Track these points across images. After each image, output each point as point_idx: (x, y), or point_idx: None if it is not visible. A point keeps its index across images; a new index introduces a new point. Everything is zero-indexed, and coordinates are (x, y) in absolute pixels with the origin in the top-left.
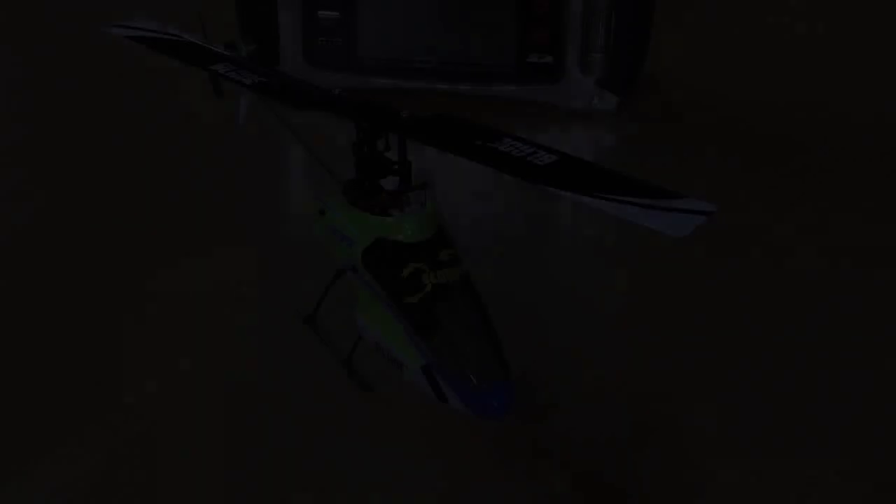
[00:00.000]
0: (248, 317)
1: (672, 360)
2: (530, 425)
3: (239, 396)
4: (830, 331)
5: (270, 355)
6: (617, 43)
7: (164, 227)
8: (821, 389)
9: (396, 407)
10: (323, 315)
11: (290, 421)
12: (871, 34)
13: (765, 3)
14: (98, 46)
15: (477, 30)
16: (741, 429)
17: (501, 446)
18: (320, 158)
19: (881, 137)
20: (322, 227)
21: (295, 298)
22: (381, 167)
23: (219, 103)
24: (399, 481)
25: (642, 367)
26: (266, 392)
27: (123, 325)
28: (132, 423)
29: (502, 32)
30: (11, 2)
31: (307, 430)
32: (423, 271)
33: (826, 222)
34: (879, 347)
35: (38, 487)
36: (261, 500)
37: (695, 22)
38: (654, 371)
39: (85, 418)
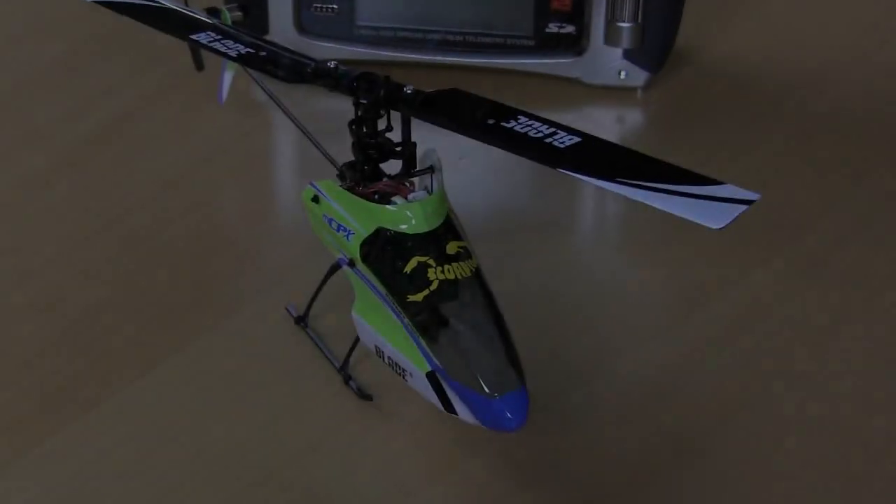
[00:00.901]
0: (229, 318)
1: (710, 370)
2: (548, 438)
3: (217, 404)
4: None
5: (255, 358)
6: (647, 10)
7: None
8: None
9: (398, 419)
10: (316, 315)
11: (277, 435)
12: None
13: None
14: (67, 13)
15: None
16: (783, 450)
17: (516, 463)
18: (314, 139)
19: None
20: (316, 217)
21: (284, 294)
22: (382, 149)
23: (200, 76)
24: None
25: (674, 377)
26: (251, 399)
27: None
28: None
29: None
30: None
31: (296, 446)
32: (428, 266)
33: (889, 212)
34: None
35: None
36: None
37: None
38: (688, 382)
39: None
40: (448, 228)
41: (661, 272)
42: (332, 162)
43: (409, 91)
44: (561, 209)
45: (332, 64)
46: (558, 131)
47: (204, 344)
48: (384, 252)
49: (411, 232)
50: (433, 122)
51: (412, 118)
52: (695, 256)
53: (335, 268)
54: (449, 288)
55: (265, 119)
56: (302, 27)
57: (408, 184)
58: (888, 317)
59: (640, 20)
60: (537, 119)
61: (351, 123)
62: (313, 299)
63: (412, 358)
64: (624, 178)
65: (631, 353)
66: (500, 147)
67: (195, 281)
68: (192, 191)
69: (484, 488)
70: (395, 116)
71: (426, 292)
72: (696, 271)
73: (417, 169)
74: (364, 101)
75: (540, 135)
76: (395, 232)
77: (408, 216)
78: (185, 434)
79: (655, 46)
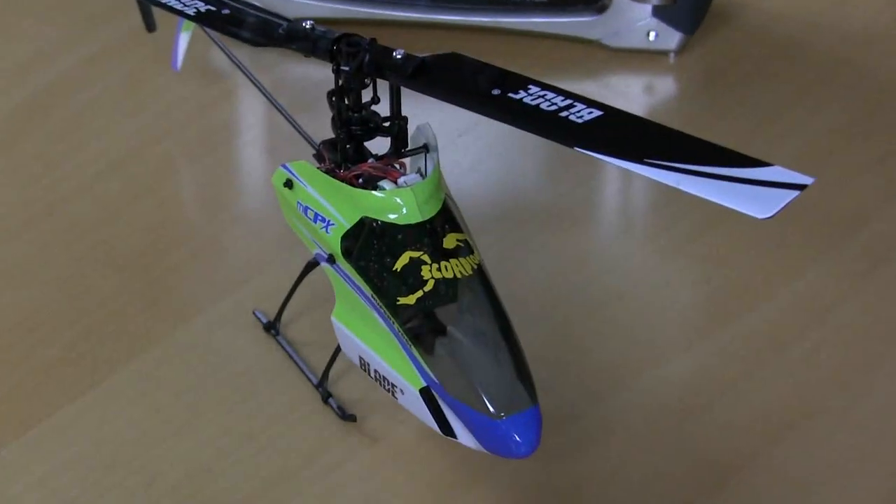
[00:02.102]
0: (185, 325)
1: (751, 386)
2: (562, 465)
3: (172, 427)
4: None
5: (216, 372)
6: None
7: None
8: None
9: (386, 443)
10: (289, 320)
11: (243, 462)
12: None
13: None
14: None
15: None
16: (837, 485)
17: (525, 494)
18: (286, 113)
19: None
20: (288, 205)
21: (251, 297)
22: (368, 125)
23: (151, 39)
24: None
25: (709, 394)
26: (213, 421)
27: None
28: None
29: None
30: None
31: (267, 475)
32: (422, 263)
33: None
34: None
35: None
36: None
37: None
38: (725, 400)
39: None
40: (445, 218)
41: (695, 270)
42: (308, 140)
43: (399, 56)
44: (578, 196)
45: (307, 24)
46: (576, 103)
47: (156, 356)
48: (370, 246)
49: (402, 222)
50: (427, 93)
51: (403, 88)
52: (735, 252)
53: (312, 265)
54: (446, 288)
55: (228, 89)
56: None
57: (397, 165)
58: None
59: None
60: (551, 89)
61: (330, 94)
62: (285, 302)
63: (403, 372)
64: (652, 159)
65: (658, 365)
66: (506, 122)
67: (145, 282)
68: (141, 174)
69: None
70: (383, 86)
71: (420, 294)
72: (735, 269)
73: (409, 148)
74: (346, 69)
75: (554, 108)
76: (382, 222)
77: (398, 204)
78: (134, 461)
79: (690, 3)
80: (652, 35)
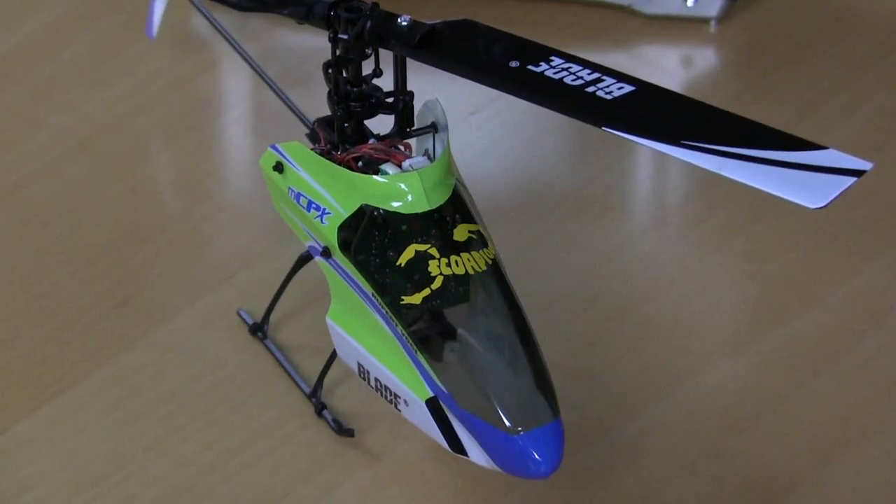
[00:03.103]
0: (162, 327)
1: (801, 398)
2: (588, 489)
3: (148, 439)
4: None
5: (197, 380)
6: None
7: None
8: None
9: (388, 460)
10: (278, 322)
11: (228, 481)
12: None
13: None
14: None
15: None
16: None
17: None
18: (276, 87)
19: None
20: (279, 191)
21: (236, 295)
22: (369, 101)
23: (123, 1)
24: None
25: (753, 407)
26: (194, 434)
27: None
28: None
29: None
30: None
31: (254, 495)
32: (430, 257)
33: None
34: None
35: None
36: None
37: None
38: (772, 414)
39: None
40: (456, 207)
41: (737, 267)
42: (301, 118)
43: (404, 23)
44: (606, 182)
45: None
46: (604, 77)
47: (128, 362)
48: (370, 238)
49: (407, 211)
50: (436, 65)
51: (408, 59)
52: (783, 246)
53: (304, 259)
54: (457, 286)
55: (210, 60)
56: None
57: (402, 147)
58: None
59: None
60: (576, 61)
61: (326, 66)
62: (274, 301)
63: (408, 380)
64: (691, 141)
65: (697, 374)
66: (525, 98)
67: (116, 277)
68: (111, 155)
69: None
70: (386, 57)
71: (426, 292)
72: (784, 266)
73: (415, 127)
74: (344, 37)
75: (580, 82)
76: (384, 211)
77: (402, 190)
78: (104, 481)
79: None
80: (690, 0)
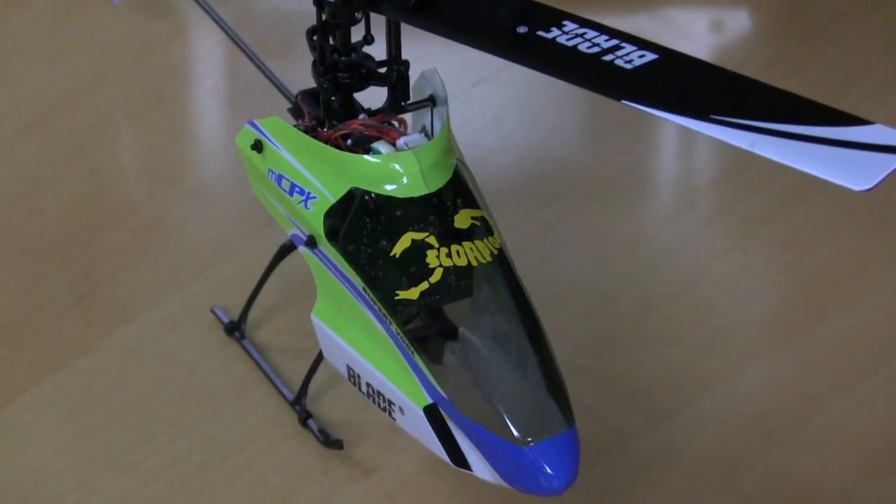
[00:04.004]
0: (128, 325)
1: (842, 406)
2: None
3: (111, 449)
4: None
5: (166, 384)
6: None
7: None
8: None
9: (381, 475)
10: (258, 320)
11: (202, 496)
12: None
13: None
14: None
15: None
16: None
17: None
18: (254, 56)
19: None
20: (257, 173)
21: (210, 291)
22: (358, 71)
23: None
24: None
25: (790, 414)
26: (163, 445)
27: None
28: None
29: None
30: None
31: None
32: (428, 246)
33: None
34: None
35: None
36: None
37: None
38: (811, 422)
39: None
40: (457, 190)
41: (773, 257)
42: (283, 90)
43: None
44: (625, 163)
45: None
46: (623, 44)
47: (88, 365)
48: (361, 225)
49: (402, 195)
50: (435, 31)
51: (403, 24)
52: (824, 234)
53: (286, 249)
54: (458, 279)
55: (179, 25)
56: None
57: (396, 123)
58: None
59: None
60: (592, 26)
61: (311, 32)
62: (252, 297)
63: (403, 385)
64: (721, 115)
65: (728, 378)
66: (535, 68)
67: (74, 270)
68: (69, 133)
69: None
70: (378, 22)
71: (424, 286)
72: (825, 256)
73: (411, 101)
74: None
75: (596, 49)
76: (377, 195)
77: (396, 171)
78: (60, 499)
79: None
80: None
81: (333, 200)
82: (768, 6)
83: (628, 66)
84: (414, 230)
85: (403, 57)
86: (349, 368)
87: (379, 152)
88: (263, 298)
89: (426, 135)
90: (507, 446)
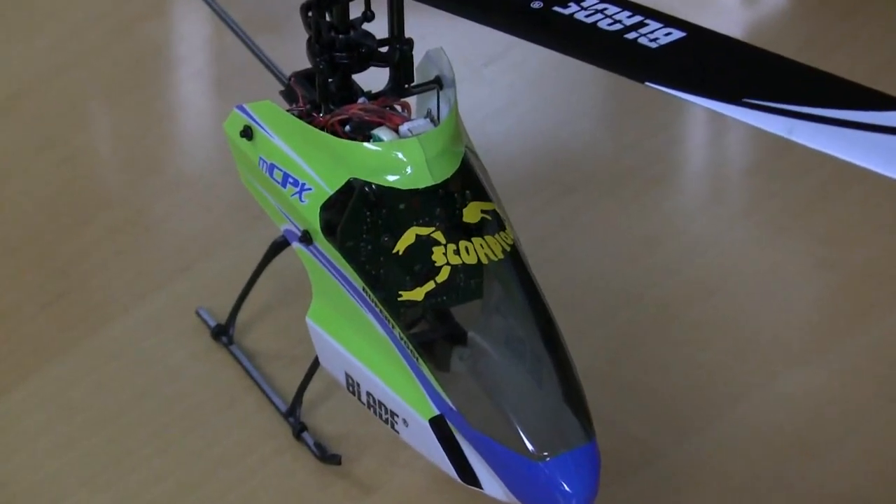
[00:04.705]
0: (104, 329)
1: (887, 409)
2: None
3: (86, 466)
4: None
5: (147, 394)
6: None
7: None
8: None
9: (383, 492)
10: (247, 323)
11: None
12: None
13: None
14: None
15: None
16: None
17: None
18: (242, 33)
19: None
20: (247, 162)
21: (194, 291)
22: (358, 50)
23: None
24: None
25: (833, 426)
26: (143, 460)
27: None
28: None
29: None
30: None
31: None
32: (434, 243)
33: None
34: None
35: None
36: None
37: None
38: (854, 433)
39: None
40: (466, 181)
41: (812, 253)
42: (275, 71)
43: None
44: (649, 150)
45: None
46: (648, 21)
47: (61, 372)
48: (361, 220)
49: (406, 186)
50: (440, 6)
51: None
52: (867, 228)
53: (279, 246)
54: (467, 279)
55: (160, 1)
56: None
57: (399, 107)
58: None
59: None
60: (613, 1)
61: (305, 8)
62: (242, 298)
63: (407, 395)
64: (754, 99)
65: (764, 386)
66: (550, 46)
67: (47, 269)
68: (40, 118)
69: None
70: None
71: (430, 286)
72: (869, 252)
73: (416, 83)
74: None
75: (618, 26)
76: (378, 187)
77: (400, 161)
78: None
79: None
80: None
81: (330, 192)
82: None
83: (653, 45)
84: (419, 225)
85: (407, 35)
86: (348, 376)
87: (380, 139)
88: (254, 299)
89: (432, 120)
90: (521, 461)
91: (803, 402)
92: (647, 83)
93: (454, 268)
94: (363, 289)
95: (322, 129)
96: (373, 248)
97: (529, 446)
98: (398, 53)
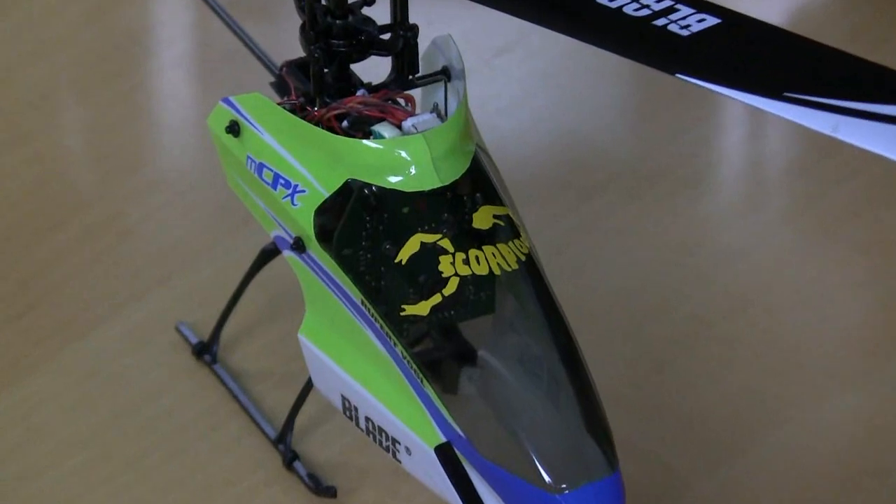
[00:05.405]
0: (76, 344)
1: None
2: None
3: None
4: None
5: (122, 416)
6: None
7: None
8: None
9: None
10: (233, 339)
11: None
12: None
13: None
14: None
15: None
16: None
17: None
18: (229, 19)
19: None
20: (233, 160)
21: (174, 303)
22: (357, 38)
23: None
24: None
25: (885, 447)
26: (115, 493)
27: None
28: None
29: None
30: None
31: None
32: (441, 251)
33: None
34: None
35: None
36: None
37: None
38: (893, 460)
39: None
40: (476, 182)
41: (860, 262)
42: (264, 60)
43: None
44: (680, 150)
45: None
46: (679, 6)
47: (28, 392)
48: (360, 225)
49: (410, 189)
50: None
51: None
52: None
53: (268, 254)
54: (478, 291)
55: None
56: None
57: (403, 100)
58: None
59: None
60: None
61: None
62: (227, 312)
63: (410, 420)
64: (795, 93)
65: (807, 409)
66: (571, 34)
67: (13, 279)
68: (8, 114)
69: None
70: None
71: (436, 299)
72: None
73: (421, 74)
74: None
75: (646, 12)
76: (379, 188)
77: (403, 160)
78: None
79: None
80: None
81: (326, 194)
82: None
83: (684, 33)
84: (424, 231)
85: (412, 20)
86: (344, 399)
87: (381, 136)
88: (240, 313)
89: (438, 115)
90: (537, 494)
91: (846, 428)
92: (678, 75)
93: (463, 279)
94: (362, 302)
95: (317, 124)
96: (373, 256)
97: (546, 477)
98: (401, 41)
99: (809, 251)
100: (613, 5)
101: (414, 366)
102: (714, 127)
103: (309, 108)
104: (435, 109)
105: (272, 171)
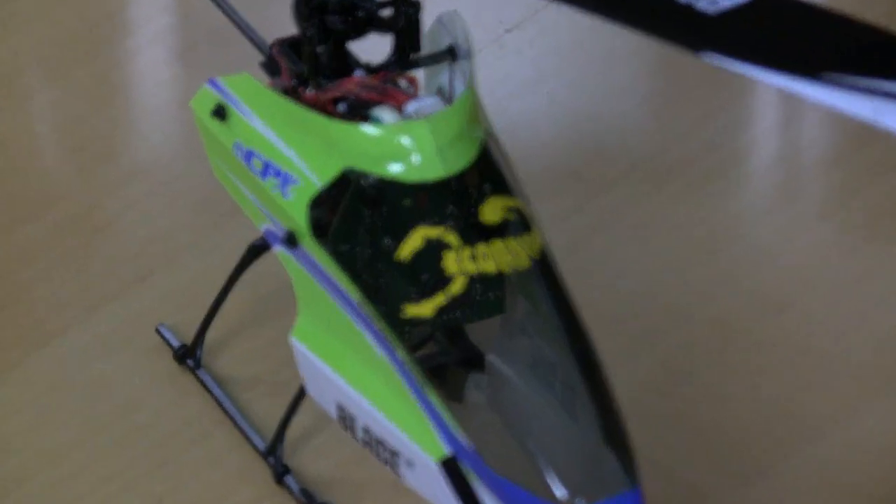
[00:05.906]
0: (46, 349)
1: None
2: None
3: None
4: None
5: (98, 426)
6: None
7: None
8: None
9: None
10: (218, 343)
11: None
12: None
13: None
14: None
15: None
16: None
17: None
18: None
19: None
20: (220, 148)
21: (154, 304)
22: (354, 14)
23: None
24: None
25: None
26: None
27: None
28: None
29: None
30: None
31: None
32: (446, 247)
33: None
34: None
35: None
36: None
37: None
38: None
39: None
40: (484, 172)
41: None
42: (253, 39)
43: None
44: (706, 137)
45: None
46: None
47: (1, 399)
48: (357, 219)
49: (412, 179)
50: None
51: None
52: None
53: (257, 250)
54: (486, 291)
55: None
56: None
57: (404, 82)
58: None
59: None
60: None
61: None
62: (211, 313)
63: (412, 430)
64: (834, 74)
65: (841, 423)
66: (587, 9)
67: None
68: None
69: None
70: None
71: (441, 300)
72: None
73: (424, 54)
74: None
75: None
76: (378, 179)
77: (405, 147)
78: None
79: None
80: None
81: (320, 185)
82: None
83: (711, 9)
84: (427, 225)
85: None
86: (340, 408)
87: (381, 121)
88: (226, 314)
89: (444, 98)
90: None
91: (887, 442)
92: (703, 54)
93: (471, 278)
94: (359, 302)
95: (311, 108)
96: (371, 253)
97: (560, 493)
98: (403, 17)
99: (848, 249)
100: None
101: (416, 372)
102: (743, 113)
103: (302, 91)
104: (439, 92)
105: (262, 159)
